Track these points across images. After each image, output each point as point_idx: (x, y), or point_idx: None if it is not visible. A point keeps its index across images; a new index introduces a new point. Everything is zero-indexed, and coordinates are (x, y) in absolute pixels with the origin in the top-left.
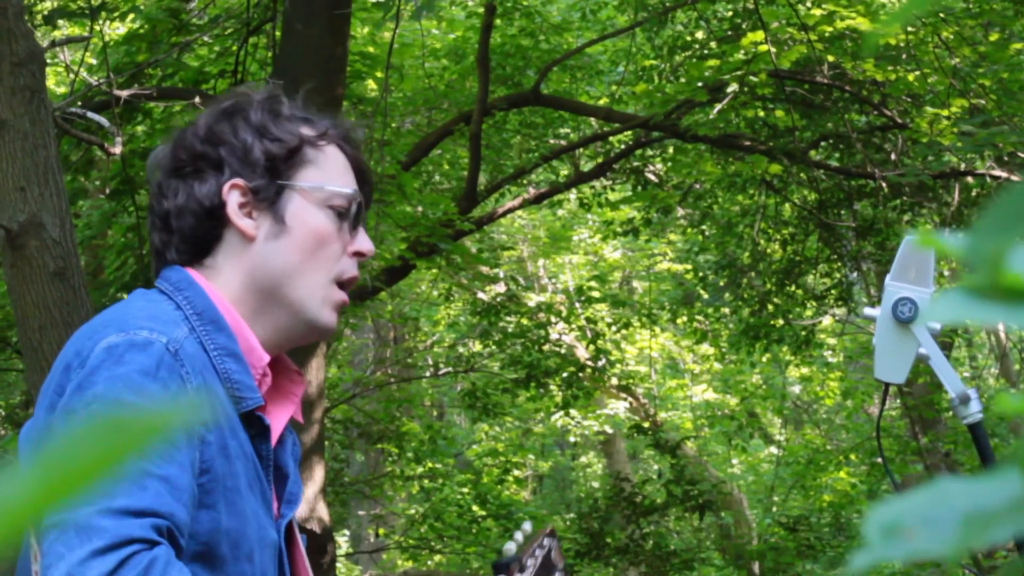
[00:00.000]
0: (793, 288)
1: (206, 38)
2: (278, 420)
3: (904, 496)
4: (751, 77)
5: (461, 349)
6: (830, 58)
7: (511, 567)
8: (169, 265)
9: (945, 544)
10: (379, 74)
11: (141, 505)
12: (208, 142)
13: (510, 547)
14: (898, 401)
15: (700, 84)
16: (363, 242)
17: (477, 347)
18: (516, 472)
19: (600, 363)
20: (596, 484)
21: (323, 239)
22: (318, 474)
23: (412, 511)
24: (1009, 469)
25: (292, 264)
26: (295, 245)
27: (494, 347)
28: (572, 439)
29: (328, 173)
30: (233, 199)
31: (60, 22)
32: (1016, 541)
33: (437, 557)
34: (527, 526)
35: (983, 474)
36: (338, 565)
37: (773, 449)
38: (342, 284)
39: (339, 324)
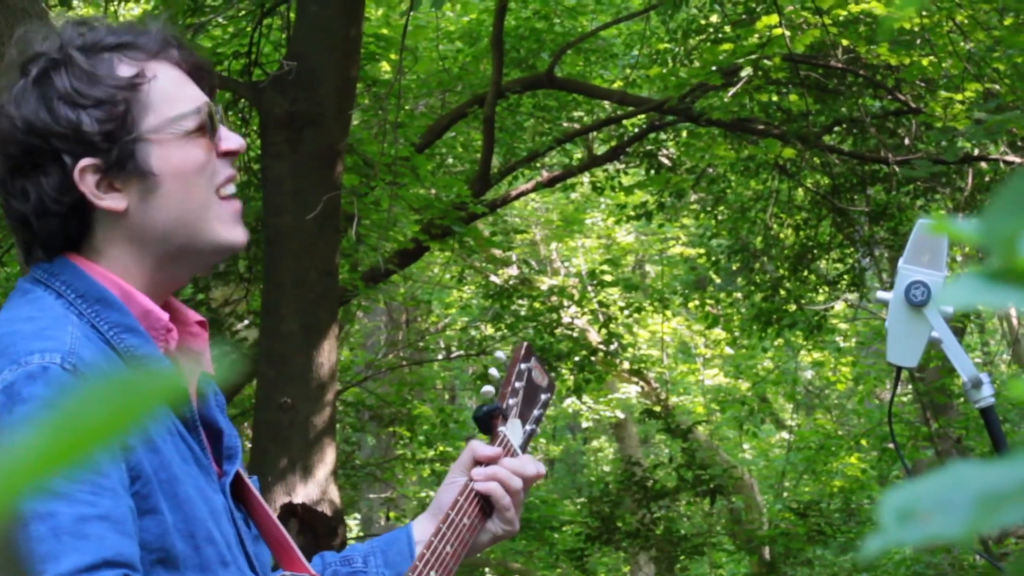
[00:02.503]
0: (806, 273)
1: (220, 19)
2: (190, 375)
3: (918, 480)
4: (765, 61)
5: (473, 332)
6: (844, 42)
7: (494, 418)
8: (44, 259)
9: (959, 528)
10: (393, 56)
11: (88, 559)
12: (31, 133)
13: (488, 390)
14: (910, 387)
15: (714, 68)
16: (228, 140)
17: (489, 330)
18: None
19: (612, 347)
20: (607, 468)
21: (195, 170)
22: (329, 456)
23: (423, 495)
24: (1022, 452)
25: (177, 207)
26: (171, 190)
27: (506, 330)
28: (584, 423)
29: (165, 105)
30: (88, 184)
31: (74, 2)
32: None
33: None
34: (500, 355)
35: (996, 458)
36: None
37: (784, 434)
38: (223, 190)
39: (350, 308)
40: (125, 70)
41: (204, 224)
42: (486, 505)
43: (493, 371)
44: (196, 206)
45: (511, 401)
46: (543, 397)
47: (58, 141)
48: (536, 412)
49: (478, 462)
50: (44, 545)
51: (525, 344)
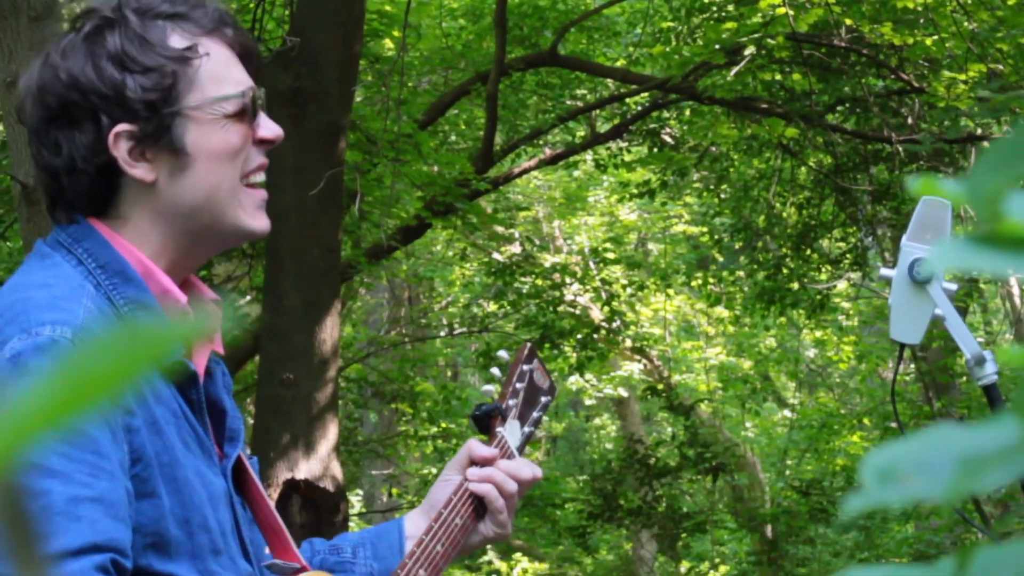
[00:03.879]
0: (808, 252)
1: None
2: (199, 357)
3: (900, 441)
4: (768, 40)
5: (476, 309)
6: (848, 21)
7: (492, 419)
8: (68, 219)
9: (940, 489)
10: (396, 33)
11: (76, 542)
12: (75, 89)
13: (489, 390)
14: (912, 366)
15: (717, 46)
16: (266, 128)
17: (492, 307)
18: None
19: (614, 325)
20: (610, 446)
21: (229, 153)
22: (331, 433)
23: (425, 471)
24: (1006, 415)
25: (205, 189)
26: (203, 170)
27: (508, 308)
28: (587, 401)
29: (212, 83)
30: (121, 149)
31: None
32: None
33: None
34: (503, 354)
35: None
36: (351, 524)
37: (787, 412)
38: (252, 178)
39: (353, 285)
40: (177, 41)
41: (228, 209)
42: (479, 506)
43: (495, 370)
44: (223, 190)
45: (511, 402)
46: (543, 399)
47: (98, 100)
48: (535, 414)
49: (474, 462)
50: None
51: (528, 345)
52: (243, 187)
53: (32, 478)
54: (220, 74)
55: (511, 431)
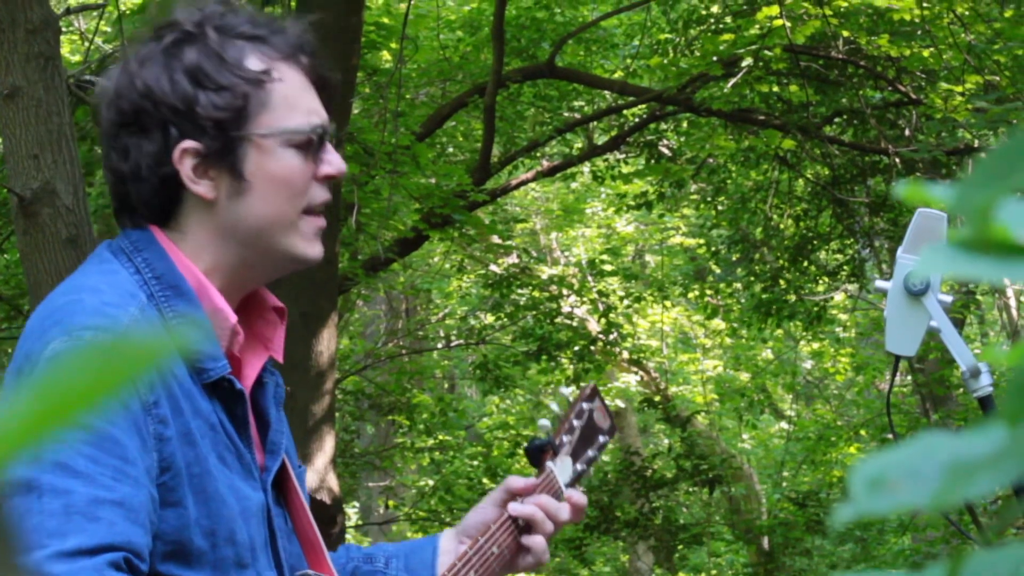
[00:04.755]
0: (805, 264)
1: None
2: (252, 367)
3: (889, 450)
4: (766, 51)
5: (473, 321)
6: (845, 33)
7: (544, 452)
8: (134, 224)
9: (928, 497)
10: (394, 45)
11: (94, 542)
12: (148, 98)
13: (545, 424)
14: (909, 378)
15: (715, 58)
16: (332, 164)
17: (489, 319)
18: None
19: (611, 336)
20: (606, 458)
21: (287, 184)
22: (328, 445)
23: (422, 483)
24: (994, 422)
25: (262, 217)
26: (261, 198)
27: (506, 319)
28: None
29: (283, 111)
30: (186, 165)
31: None
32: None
33: (447, 530)
34: (565, 391)
35: (968, 428)
36: (347, 536)
37: (784, 424)
38: (314, 210)
39: (350, 297)
40: (254, 63)
41: (285, 236)
42: (516, 537)
43: (554, 406)
44: (281, 219)
45: (565, 438)
46: (601, 439)
47: (169, 112)
48: (591, 453)
49: (513, 495)
50: (54, 521)
51: (592, 385)
52: (304, 216)
53: (57, 477)
54: (292, 101)
55: (562, 467)
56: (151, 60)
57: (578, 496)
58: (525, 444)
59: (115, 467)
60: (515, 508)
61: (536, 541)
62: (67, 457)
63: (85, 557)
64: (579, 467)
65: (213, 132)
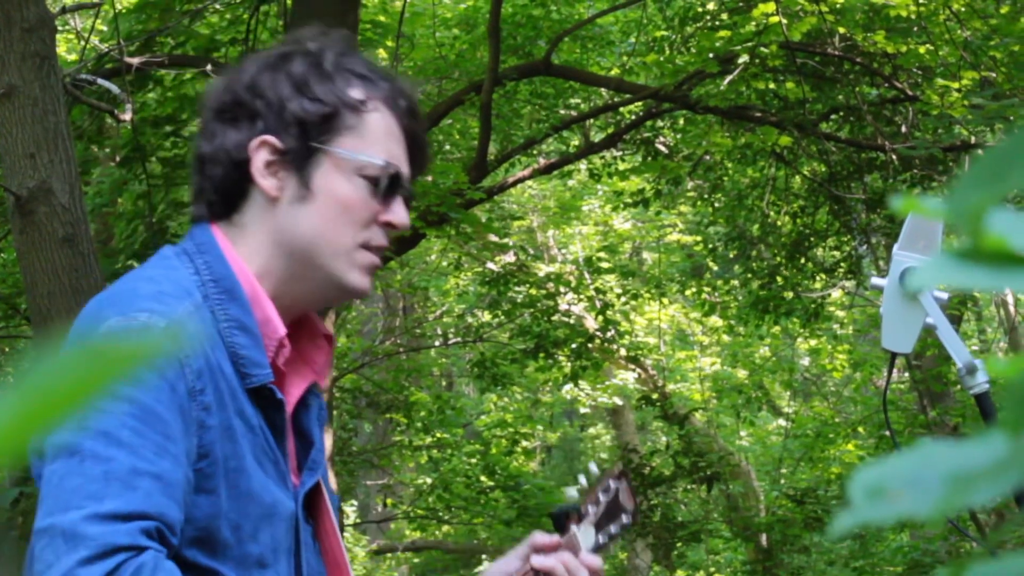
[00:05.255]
0: (802, 260)
1: (217, 6)
2: (295, 388)
3: (889, 458)
4: (762, 48)
5: (470, 319)
6: (841, 30)
7: (569, 516)
8: (203, 216)
9: (929, 506)
10: (390, 43)
11: (130, 508)
12: (249, 91)
13: (571, 493)
14: (906, 374)
15: (711, 55)
16: (397, 214)
17: (486, 317)
18: (525, 443)
19: (609, 334)
20: (604, 455)
21: (347, 209)
22: (326, 443)
23: (420, 481)
24: (994, 431)
25: (316, 231)
26: (319, 212)
27: (503, 317)
28: (582, 410)
29: (366, 141)
30: (260, 156)
31: None
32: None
33: (445, 528)
34: (593, 467)
35: (967, 437)
36: (345, 535)
37: (781, 421)
38: (370, 250)
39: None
40: (356, 92)
41: (336, 259)
42: None
43: (582, 478)
44: (334, 241)
45: (591, 508)
46: (624, 519)
47: (262, 105)
48: (613, 529)
49: (537, 550)
50: (93, 484)
51: (621, 465)
52: (360, 249)
53: (100, 444)
54: (378, 137)
55: (584, 534)
56: (263, 63)
57: (595, 559)
58: (551, 511)
59: (157, 442)
60: (538, 560)
61: None
62: (112, 427)
63: (120, 522)
64: (601, 539)
65: (295, 133)
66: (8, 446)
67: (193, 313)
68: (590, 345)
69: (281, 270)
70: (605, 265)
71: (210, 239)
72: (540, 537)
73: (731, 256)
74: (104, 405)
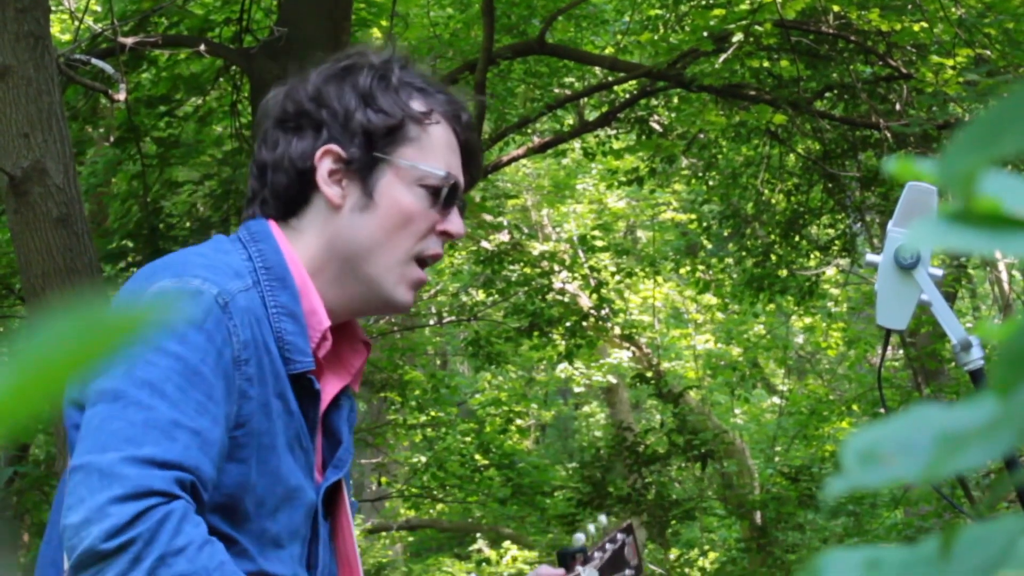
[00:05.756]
0: (797, 238)
1: None
2: (331, 386)
3: (880, 422)
4: (756, 27)
5: (464, 298)
6: (835, 8)
7: (575, 557)
8: (256, 215)
9: (920, 470)
10: (384, 22)
11: (167, 456)
12: (314, 101)
13: (579, 537)
14: (901, 352)
15: (705, 34)
16: (454, 223)
17: (480, 296)
18: (519, 421)
19: (603, 312)
20: (599, 433)
21: (408, 218)
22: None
23: (415, 460)
24: (984, 394)
25: (374, 239)
26: (380, 221)
27: (497, 296)
28: (576, 388)
29: (427, 152)
30: (325, 165)
31: None
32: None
33: (439, 506)
34: (603, 519)
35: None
36: None
37: (776, 399)
38: (423, 261)
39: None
40: (418, 105)
41: (391, 272)
42: None
43: (591, 527)
44: (390, 251)
45: (596, 554)
46: (627, 572)
47: (328, 115)
48: None
49: None
50: (133, 430)
51: (630, 522)
52: (410, 261)
53: (144, 393)
54: (437, 150)
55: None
56: (328, 74)
57: None
58: (559, 550)
59: (199, 401)
60: None
61: None
62: (157, 378)
63: (156, 468)
64: None
65: (360, 143)
66: (40, 390)
67: (243, 290)
68: (584, 324)
69: (332, 272)
70: (599, 244)
71: (266, 230)
72: (547, 570)
73: (725, 234)
74: (151, 357)
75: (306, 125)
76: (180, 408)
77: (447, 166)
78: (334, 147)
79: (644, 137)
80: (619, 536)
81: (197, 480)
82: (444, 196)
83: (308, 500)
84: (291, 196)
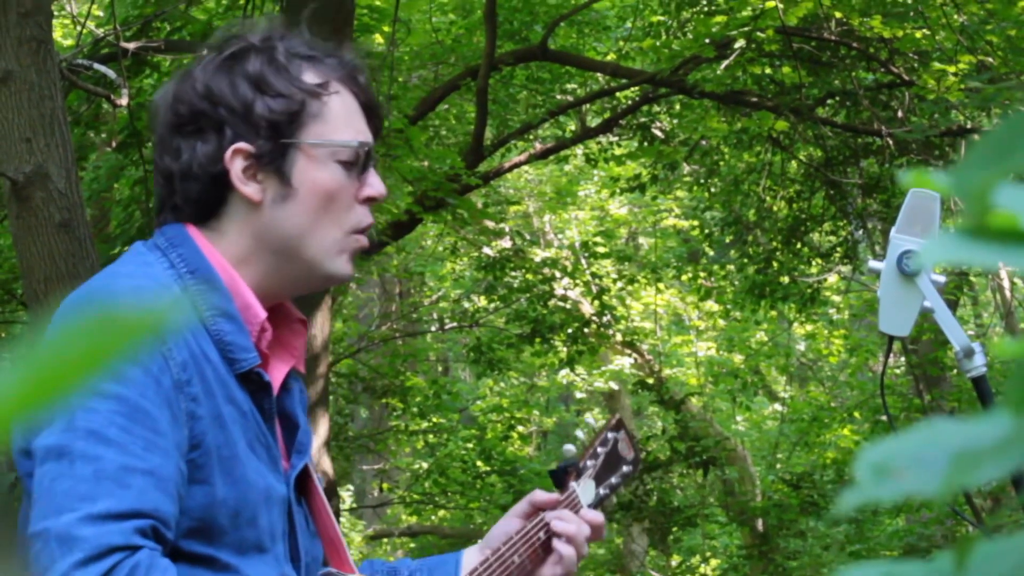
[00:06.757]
0: (799, 245)
1: None
2: (278, 371)
3: (894, 437)
4: (758, 33)
5: (466, 304)
6: (837, 14)
7: (568, 474)
8: (169, 221)
9: (934, 485)
10: (386, 28)
11: (123, 507)
12: (207, 99)
13: (569, 449)
14: (903, 359)
15: (707, 40)
16: (373, 186)
17: (482, 302)
18: (520, 428)
19: (605, 319)
20: None
21: (331, 197)
22: (322, 428)
23: (416, 466)
24: (999, 409)
25: (302, 225)
26: (303, 206)
27: (499, 302)
28: (578, 395)
29: (333, 125)
30: (237, 165)
31: None
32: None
33: (441, 512)
34: (590, 420)
35: (973, 415)
36: (342, 520)
37: (777, 406)
38: (359, 232)
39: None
40: (311, 77)
41: (328, 251)
42: (540, 549)
43: (579, 433)
44: (319, 232)
45: (589, 462)
46: (625, 469)
47: (227, 113)
48: (614, 480)
49: (538, 508)
50: (84, 486)
51: (618, 416)
52: (350, 235)
53: (89, 443)
54: (343, 118)
55: (584, 489)
56: (214, 67)
57: (594, 514)
58: (550, 468)
59: (146, 438)
60: (553, 524)
61: (564, 551)
62: (99, 425)
63: (113, 521)
64: (602, 491)
65: (267, 135)
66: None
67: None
68: (586, 330)
69: (266, 268)
70: (601, 250)
71: (182, 233)
72: (540, 495)
73: (727, 241)
74: (89, 403)
75: (206, 127)
76: (128, 451)
77: (356, 133)
78: (242, 145)
79: (646, 143)
80: (610, 436)
81: (158, 522)
82: (361, 164)
83: (280, 496)
84: (207, 201)
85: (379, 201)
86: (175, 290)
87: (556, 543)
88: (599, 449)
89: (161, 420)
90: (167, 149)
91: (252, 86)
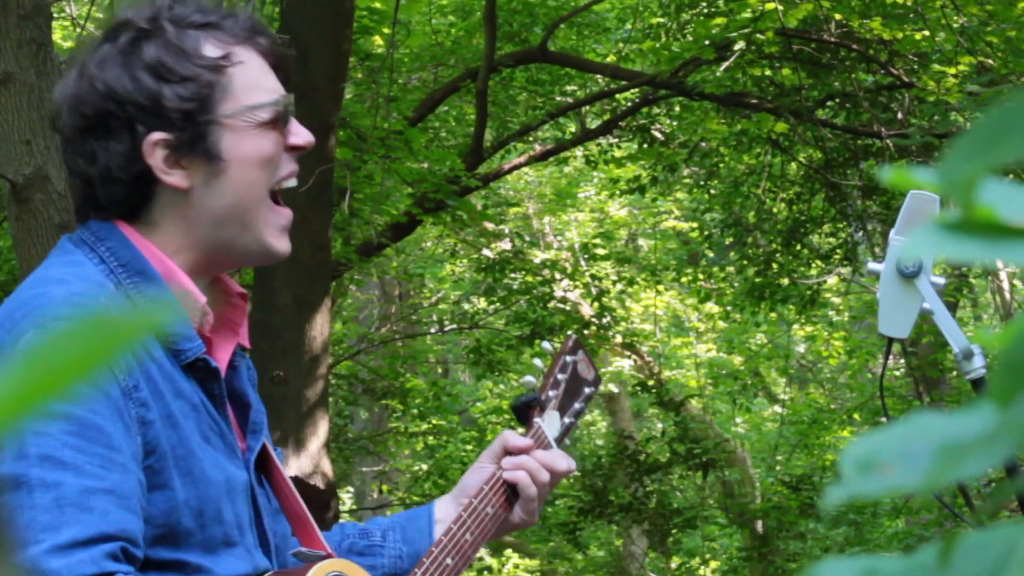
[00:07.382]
0: (798, 247)
1: None
2: (224, 352)
3: (879, 431)
4: (758, 35)
5: (466, 306)
6: (837, 16)
7: (531, 409)
8: (92, 218)
9: (919, 479)
10: (386, 30)
11: (88, 532)
12: (111, 100)
13: (529, 380)
14: (902, 361)
15: (707, 42)
16: (298, 135)
17: (482, 304)
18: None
19: (604, 320)
20: (600, 442)
21: (266, 160)
22: (322, 430)
23: (416, 468)
24: (984, 403)
25: (239, 196)
26: (237, 177)
27: (499, 304)
28: None
29: (246, 91)
30: (157, 157)
31: None
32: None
33: None
34: (546, 346)
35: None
36: (341, 522)
37: (777, 408)
38: (284, 183)
39: (343, 281)
40: (211, 50)
41: (254, 224)
42: (511, 495)
43: (537, 361)
44: (253, 199)
45: (551, 393)
46: (587, 391)
47: (135, 110)
48: (577, 405)
49: (509, 452)
50: (46, 515)
51: (573, 337)
52: (271, 204)
53: (45, 470)
54: (254, 82)
55: (549, 422)
56: (109, 61)
57: (557, 458)
58: (511, 402)
59: (102, 455)
60: (505, 473)
61: (525, 502)
62: (52, 449)
63: (81, 549)
64: (567, 420)
65: (181, 123)
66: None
67: (114, 297)
68: (586, 332)
69: (204, 248)
70: (601, 252)
71: (107, 226)
72: (511, 437)
73: (727, 243)
74: (39, 428)
75: (116, 127)
76: (85, 473)
77: (269, 92)
78: (158, 135)
79: (646, 145)
80: (568, 360)
81: (126, 542)
82: (283, 119)
83: (241, 484)
84: (133, 201)
85: (305, 149)
86: (109, 288)
87: (520, 490)
88: (559, 376)
89: (115, 434)
90: (79, 152)
91: (153, 76)
